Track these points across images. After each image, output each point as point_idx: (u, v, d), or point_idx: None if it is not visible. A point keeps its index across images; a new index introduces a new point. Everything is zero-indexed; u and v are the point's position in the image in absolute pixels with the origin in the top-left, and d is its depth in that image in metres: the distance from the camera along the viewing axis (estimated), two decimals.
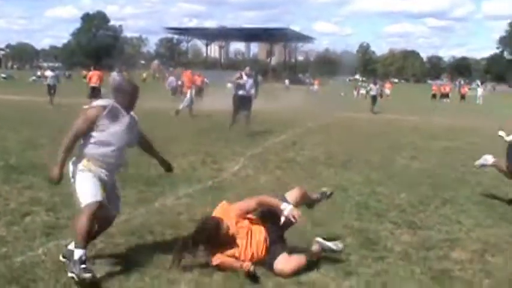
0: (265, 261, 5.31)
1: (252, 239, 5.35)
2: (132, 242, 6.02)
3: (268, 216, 5.49)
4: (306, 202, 5.99)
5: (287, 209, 5.30)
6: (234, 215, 5.40)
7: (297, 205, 5.59)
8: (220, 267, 5.24)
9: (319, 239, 5.59)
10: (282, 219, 5.31)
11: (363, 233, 6.67)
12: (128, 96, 5.27)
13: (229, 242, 5.29)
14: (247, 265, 5.03)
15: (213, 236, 5.23)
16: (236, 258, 5.27)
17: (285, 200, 5.51)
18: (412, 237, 6.68)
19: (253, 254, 5.32)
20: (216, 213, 5.50)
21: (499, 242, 6.64)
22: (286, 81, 76.70)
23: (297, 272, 5.19)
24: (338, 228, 6.74)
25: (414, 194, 9.13)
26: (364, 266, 5.55)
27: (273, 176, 10.37)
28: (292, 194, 5.72)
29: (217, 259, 5.27)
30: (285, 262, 5.23)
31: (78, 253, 4.70)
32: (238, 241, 5.32)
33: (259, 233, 5.40)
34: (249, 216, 5.51)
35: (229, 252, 5.29)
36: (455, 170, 11.82)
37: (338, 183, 9.67)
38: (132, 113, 5.34)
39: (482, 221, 7.56)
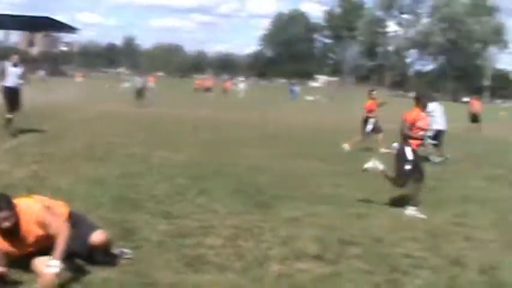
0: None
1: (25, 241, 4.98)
2: None
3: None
4: (104, 250, 5.44)
5: (50, 268, 4.71)
6: (36, 216, 4.94)
7: (96, 248, 5.26)
8: None
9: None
10: (44, 271, 4.79)
11: (119, 224, 6.60)
12: None
13: (9, 232, 4.86)
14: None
15: None
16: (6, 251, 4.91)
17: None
18: (168, 226, 6.78)
19: (18, 253, 4.99)
20: (23, 202, 5.02)
21: (251, 227, 7.00)
22: (42, 72, 67.57)
23: None
24: (94, 220, 6.53)
25: (172, 185, 9.28)
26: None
27: (28, 170, 9.81)
28: (97, 236, 5.27)
29: None
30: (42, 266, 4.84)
31: None
32: (20, 238, 4.94)
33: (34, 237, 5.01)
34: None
35: (4, 243, 4.91)
36: (213, 161, 12.21)
37: (96, 176, 9.50)
38: None
39: (236, 209, 7.90)
